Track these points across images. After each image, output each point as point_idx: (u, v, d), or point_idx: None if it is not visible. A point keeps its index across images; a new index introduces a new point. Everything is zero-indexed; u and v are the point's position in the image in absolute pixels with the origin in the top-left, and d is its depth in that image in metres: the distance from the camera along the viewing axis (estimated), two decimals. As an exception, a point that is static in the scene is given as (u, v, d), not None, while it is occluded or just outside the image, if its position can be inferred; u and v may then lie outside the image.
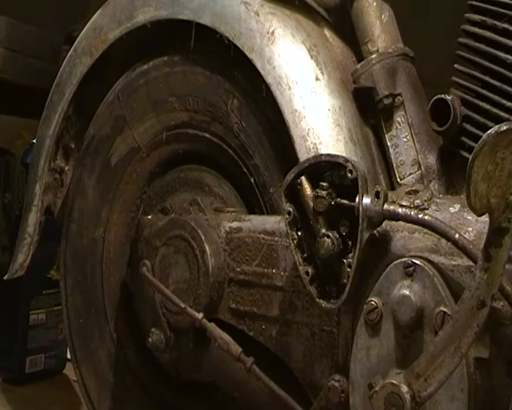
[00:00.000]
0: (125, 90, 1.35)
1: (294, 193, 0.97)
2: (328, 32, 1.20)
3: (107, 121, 1.37)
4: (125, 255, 1.34)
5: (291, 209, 0.97)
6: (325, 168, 0.95)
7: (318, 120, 1.09)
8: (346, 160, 0.93)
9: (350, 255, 0.92)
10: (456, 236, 0.86)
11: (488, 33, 1.02)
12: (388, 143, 1.12)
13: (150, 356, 1.26)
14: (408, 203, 0.94)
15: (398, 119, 1.11)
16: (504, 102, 0.98)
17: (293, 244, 0.97)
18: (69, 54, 1.40)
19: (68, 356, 1.92)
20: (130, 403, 1.37)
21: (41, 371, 2.13)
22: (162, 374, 1.31)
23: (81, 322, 1.42)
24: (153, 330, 1.18)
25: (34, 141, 1.48)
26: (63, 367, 2.19)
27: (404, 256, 0.92)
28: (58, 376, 2.17)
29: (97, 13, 1.37)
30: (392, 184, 1.11)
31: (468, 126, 1.03)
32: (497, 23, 1.01)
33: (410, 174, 1.09)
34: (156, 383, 1.34)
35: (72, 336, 1.45)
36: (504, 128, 0.71)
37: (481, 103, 1.01)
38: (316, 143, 1.08)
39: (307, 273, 0.95)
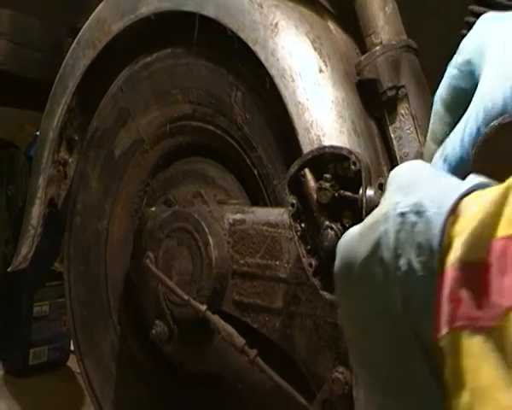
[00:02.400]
0: (128, 82, 1.35)
1: (298, 185, 0.96)
2: (331, 24, 1.19)
3: (111, 113, 1.37)
4: (128, 247, 1.34)
5: (294, 201, 0.96)
6: (329, 160, 0.95)
7: (322, 111, 1.09)
8: (350, 152, 0.93)
9: (353, 247, 0.92)
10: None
11: (492, 25, 1.02)
12: (392, 135, 1.11)
13: (154, 348, 1.27)
14: (411, 195, 0.94)
15: (402, 111, 1.11)
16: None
17: (296, 236, 0.97)
18: (72, 46, 1.40)
19: (72, 348, 1.93)
20: (133, 395, 1.37)
21: (44, 363, 2.13)
22: (165, 366, 1.31)
23: (84, 314, 1.43)
24: (156, 322, 1.19)
25: (37, 133, 1.48)
26: (67, 359, 2.19)
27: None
28: (61, 368, 2.18)
29: (101, 5, 1.37)
30: (396, 177, 1.11)
31: (472, 119, 1.02)
32: (501, 15, 1.01)
33: (414, 166, 1.09)
34: (159, 375, 1.34)
35: (76, 328, 1.45)
36: (507, 120, 0.71)
37: (485, 95, 1.01)
38: (319, 135, 1.08)
39: (311, 265, 0.95)
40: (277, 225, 1.07)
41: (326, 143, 1.07)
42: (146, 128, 1.33)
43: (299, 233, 0.97)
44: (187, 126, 1.28)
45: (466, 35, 1.05)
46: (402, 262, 0.55)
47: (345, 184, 0.93)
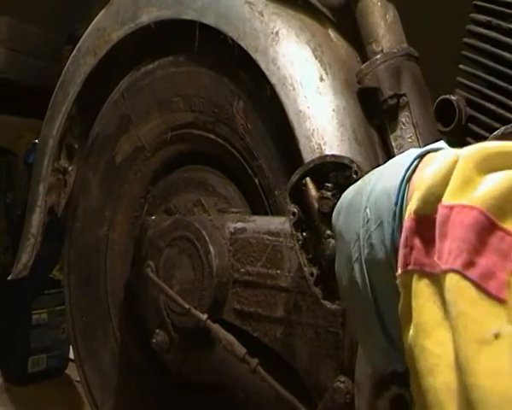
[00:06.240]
0: (130, 89, 1.35)
1: (299, 194, 0.96)
2: (332, 33, 1.19)
3: (112, 120, 1.37)
4: (128, 254, 1.34)
5: (296, 210, 0.96)
6: (330, 169, 0.95)
7: (323, 120, 1.09)
8: (351, 161, 0.92)
9: (355, 256, 0.91)
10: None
11: (493, 33, 1.02)
12: (393, 144, 1.11)
13: (154, 356, 1.26)
14: (413, 204, 0.93)
15: (403, 119, 1.11)
16: (510, 102, 0.98)
17: (297, 245, 0.96)
18: (73, 54, 1.40)
19: (71, 356, 1.93)
20: (133, 403, 1.37)
21: (43, 371, 2.12)
22: (166, 374, 1.31)
23: (84, 321, 1.42)
24: (157, 330, 1.18)
25: (36, 141, 1.48)
26: (65, 367, 2.18)
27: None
28: (60, 376, 2.17)
29: (101, 13, 1.37)
30: (397, 185, 1.10)
31: (473, 127, 1.02)
32: (503, 23, 1.00)
33: (415, 175, 1.08)
34: (160, 383, 1.34)
35: (76, 335, 1.45)
36: (511, 130, 0.71)
37: (486, 104, 1.01)
38: (320, 144, 1.08)
39: (312, 274, 0.95)
40: (278, 233, 1.07)
41: (327, 151, 1.07)
42: (147, 135, 1.33)
43: (300, 242, 0.96)
44: (188, 135, 1.27)
45: (468, 43, 1.05)
46: (371, 202, 0.67)
47: (346, 194, 0.93)
